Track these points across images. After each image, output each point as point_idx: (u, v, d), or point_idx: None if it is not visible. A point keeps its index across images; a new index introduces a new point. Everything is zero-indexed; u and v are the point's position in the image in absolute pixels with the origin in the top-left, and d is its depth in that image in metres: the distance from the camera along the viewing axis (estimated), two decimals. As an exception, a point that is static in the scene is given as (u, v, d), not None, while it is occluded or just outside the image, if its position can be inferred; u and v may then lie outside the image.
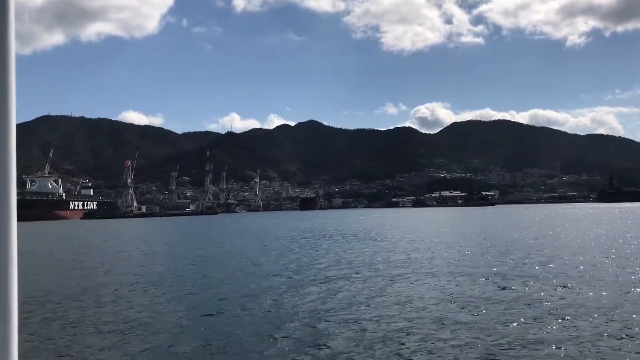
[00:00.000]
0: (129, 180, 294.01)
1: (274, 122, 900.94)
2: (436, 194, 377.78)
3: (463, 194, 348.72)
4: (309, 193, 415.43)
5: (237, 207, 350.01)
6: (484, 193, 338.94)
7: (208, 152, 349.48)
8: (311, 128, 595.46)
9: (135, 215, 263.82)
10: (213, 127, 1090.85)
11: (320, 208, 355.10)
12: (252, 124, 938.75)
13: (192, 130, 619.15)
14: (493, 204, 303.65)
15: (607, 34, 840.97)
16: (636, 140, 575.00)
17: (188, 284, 23.71)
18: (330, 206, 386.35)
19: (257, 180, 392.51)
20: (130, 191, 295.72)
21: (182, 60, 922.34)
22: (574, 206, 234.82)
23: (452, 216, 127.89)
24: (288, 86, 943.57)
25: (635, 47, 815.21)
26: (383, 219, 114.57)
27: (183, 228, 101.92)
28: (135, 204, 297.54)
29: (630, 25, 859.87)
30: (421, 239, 46.70)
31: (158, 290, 22.08)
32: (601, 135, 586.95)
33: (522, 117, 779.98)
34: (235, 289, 21.73)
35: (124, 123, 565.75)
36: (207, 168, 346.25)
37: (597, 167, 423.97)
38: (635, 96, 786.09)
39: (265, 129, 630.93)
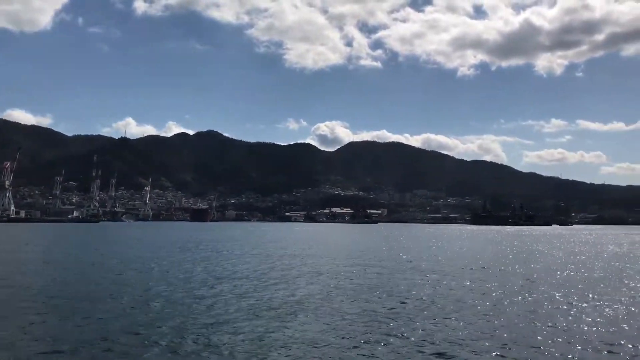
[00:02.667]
0: (7, 183, 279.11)
1: (172, 129, 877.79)
2: (327, 210, 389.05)
3: (351, 211, 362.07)
4: (202, 204, 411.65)
5: (124, 216, 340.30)
6: (369, 211, 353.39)
7: (95, 157, 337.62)
8: (210, 138, 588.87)
9: (10, 220, 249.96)
10: (106, 131, 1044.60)
11: (212, 220, 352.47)
12: (149, 130, 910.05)
13: (83, 134, 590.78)
14: (376, 222, 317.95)
15: (493, 68, 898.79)
16: (516, 168, 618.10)
17: None
18: (224, 218, 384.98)
19: (147, 188, 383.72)
20: (7, 194, 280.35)
21: (76, 60, 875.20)
22: (447, 227, 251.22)
23: (317, 232, 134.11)
24: (189, 94, 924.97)
25: (517, 81, 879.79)
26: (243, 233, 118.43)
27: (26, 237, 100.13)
28: (12, 207, 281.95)
29: (513, 62, 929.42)
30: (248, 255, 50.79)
31: None
32: (485, 161, 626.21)
33: (415, 141, 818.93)
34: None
35: (9, 122, 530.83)
36: (94, 174, 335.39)
37: (480, 191, 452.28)
38: (517, 127, 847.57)
39: (163, 137, 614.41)
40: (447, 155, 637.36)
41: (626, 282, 32.26)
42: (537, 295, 26.33)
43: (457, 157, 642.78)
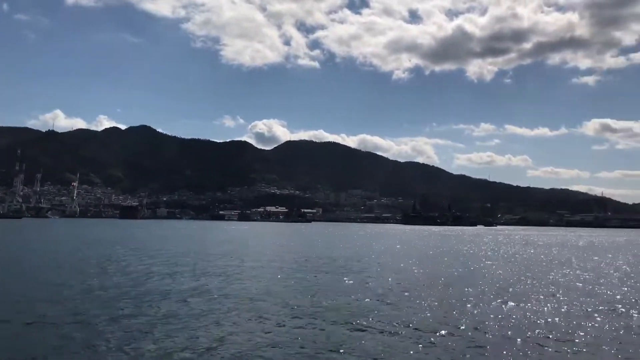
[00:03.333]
0: None
1: (103, 123, 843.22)
2: (261, 209, 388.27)
3: (285, 210, 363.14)
4: (132, 201, 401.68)
5: (49, 212, 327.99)
6: (303, 211, 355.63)
7: (19, 151, 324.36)
8: (143, 133, 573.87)
9: None
10: (32, 124, 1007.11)
11: (142, 218, 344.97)
12: (78, 123, 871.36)
13: (7, 125, 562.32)
14: (310, 222, 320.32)
15: (427, 72, 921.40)
16: (447, 170, 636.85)
17: None
18: (155, 216, 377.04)
19: (75, 184, 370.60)
20: None
21: (1, 47, 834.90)
22: (378, 226, 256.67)
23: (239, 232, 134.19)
24: (121, 88, 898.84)
25: (448, 86, 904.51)
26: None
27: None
28: None
29: (446, 67, 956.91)
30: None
31: None
32: (418, 163, 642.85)
33: (351, 141, 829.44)
34: None
35: None
36: (18, 167, 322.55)
37: (412, 191, 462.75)
38: (449, 130, 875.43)
39: (93, 130, 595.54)
40: (381, 156, 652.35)
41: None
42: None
43: (391, 158, 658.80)
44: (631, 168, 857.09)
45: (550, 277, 36.03)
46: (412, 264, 44.15)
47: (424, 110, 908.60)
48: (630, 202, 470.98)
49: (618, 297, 27.20)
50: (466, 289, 28.57)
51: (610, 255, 61.77)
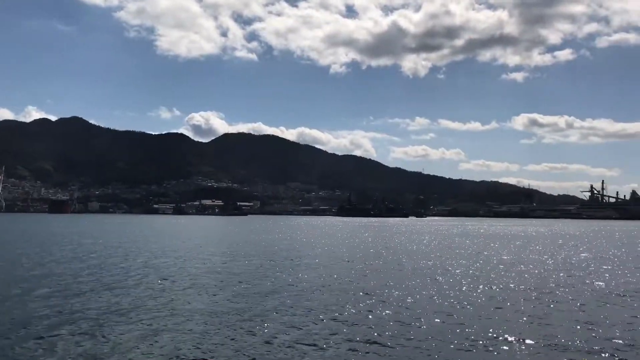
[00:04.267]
0: None
1: (31, 114, 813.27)
2: (197, 203, 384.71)
3: (221, 204, 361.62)
4: (62, 195, 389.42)
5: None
6: (239, 204, 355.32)
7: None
8: (75, 124, 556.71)
9: None
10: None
11: (73, 212, 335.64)
12: (4, 114, 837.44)
13: None
14: (246, 214, 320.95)
15: (363, 67, 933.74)
16: (384, 163, 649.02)
17: None
18: (86, 210, 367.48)
19: (0, 177, 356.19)
20: None
21: None
22: (313, 219, 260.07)
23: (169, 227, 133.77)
24: (51, 78, 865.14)
25: (384, 81, 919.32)
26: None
27: None
28: None
29: (382, 62, 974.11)
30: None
31: None
32: (356, 156, 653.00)
33: (290, 134, 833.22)
34: None
35: None
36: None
37: (350, 184, 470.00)
38: (385, 124, 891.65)
39: (21, 122, 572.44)
40: (320, 150, 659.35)
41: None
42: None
43: (329, 152, 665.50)
44: (556, 161, 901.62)
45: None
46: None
47: (361, 104, 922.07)
48: (555, 194, 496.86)
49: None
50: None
51: (497, 244, 66.61)
